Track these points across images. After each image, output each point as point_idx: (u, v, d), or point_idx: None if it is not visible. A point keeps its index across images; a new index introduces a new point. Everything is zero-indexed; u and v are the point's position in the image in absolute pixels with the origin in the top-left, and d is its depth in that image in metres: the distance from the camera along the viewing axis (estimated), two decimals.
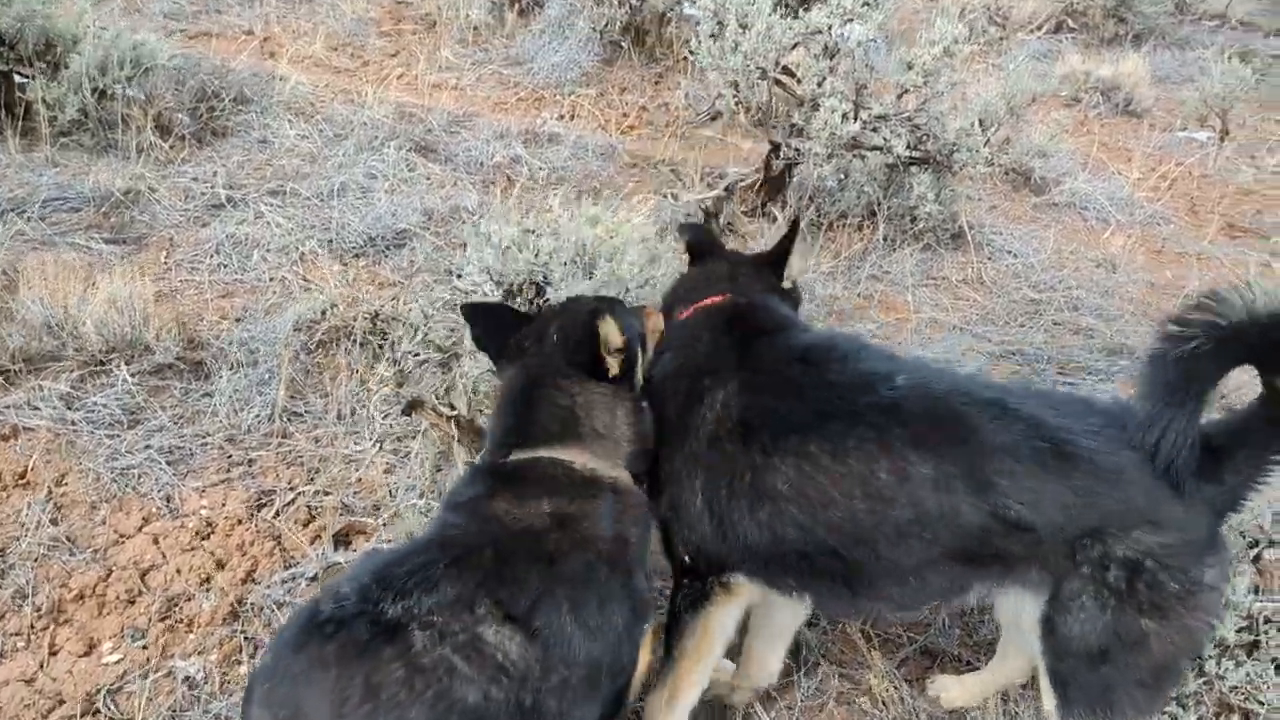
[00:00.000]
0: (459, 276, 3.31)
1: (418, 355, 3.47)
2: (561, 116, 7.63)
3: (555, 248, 3.29)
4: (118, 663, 3.05)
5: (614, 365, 2.48)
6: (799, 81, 5.22)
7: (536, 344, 2.61)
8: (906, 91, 5.33)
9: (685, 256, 3.33)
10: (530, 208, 4.05)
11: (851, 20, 5.13)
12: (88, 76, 5.89)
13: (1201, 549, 2.40)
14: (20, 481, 3.66)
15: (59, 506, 3.59)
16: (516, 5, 9.25)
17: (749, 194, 5.75)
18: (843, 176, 5.71)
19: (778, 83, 5.34)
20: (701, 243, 3.36)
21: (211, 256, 5.12)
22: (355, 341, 4.24)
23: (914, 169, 5.66)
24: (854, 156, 5.41)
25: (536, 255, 3.24)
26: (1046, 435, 2.43)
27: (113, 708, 2.90)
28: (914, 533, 2.47)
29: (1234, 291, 2.23)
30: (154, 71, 6.24)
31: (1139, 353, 5.17)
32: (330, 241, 5.24)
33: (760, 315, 2.96)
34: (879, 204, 5.68)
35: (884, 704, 3.09)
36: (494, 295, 3.33)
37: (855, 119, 5.09)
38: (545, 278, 3.21)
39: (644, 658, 2.42)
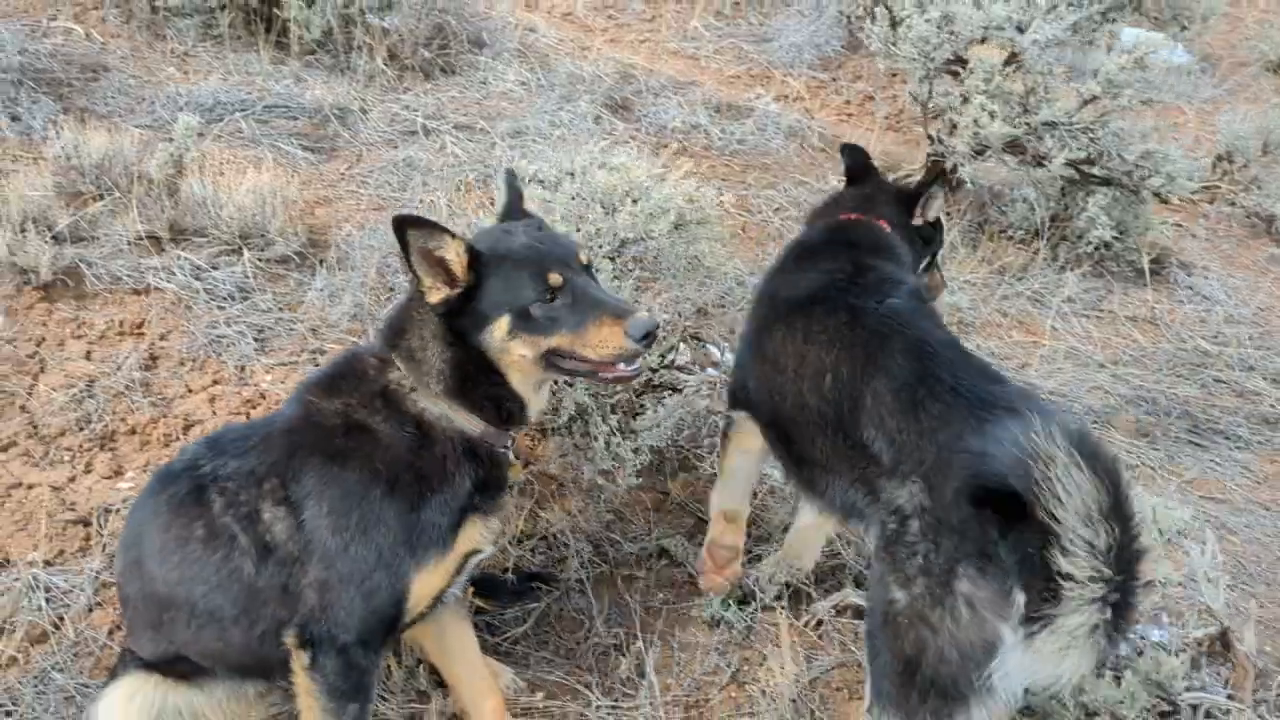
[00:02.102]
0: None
1: None
2: (785, 96, 7.57)
3: (578, 190, 3.35)
4: (129, 489, 3.48)
5: (431, 292, 2.40)
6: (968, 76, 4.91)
7: None
8: (1088, 102, 4.86)
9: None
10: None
11: (1036, 18, 4.74)
12: (333, 2, 6.54)
13: None
14: (135, 330, 4.22)
15: (154, 356, 4.10)
16: None
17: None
18: (1009, 187, 5.32)
19: (954, 75, 5.05)
20: (857, 166, 3.76)
21: (383, 174, 5.57)
22: None
23: (1096, 188, 5.16)
24: (1021, 164, 5.01)
25: (556, 190, 3.31)
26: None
27: (102, 524, 3.32)
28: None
29: None
30: (398, 6, 6.83)
31: None
32: (487, 178, 5.55)
33: (863, 239, 3.31)
34: (1045, 219, 5.23)
35: None
36: None
37: (1017, 122, 4.71)
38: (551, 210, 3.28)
39: (421, 592, 2.42)
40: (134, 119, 5.56)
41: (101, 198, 4.67)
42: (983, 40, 5.03)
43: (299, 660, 2.38)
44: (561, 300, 2.41)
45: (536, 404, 2.59)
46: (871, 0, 7.91)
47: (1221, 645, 2.74)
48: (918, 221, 3.52)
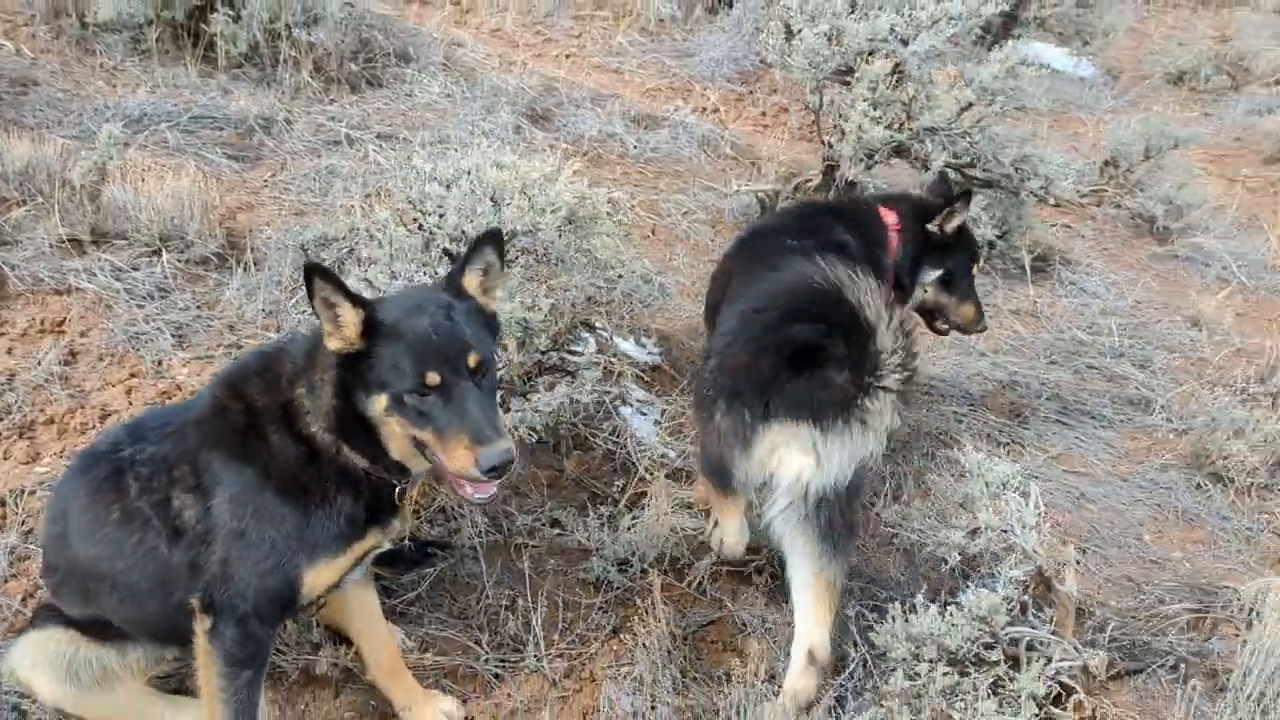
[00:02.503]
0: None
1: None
2: (703, 109, 7.88)
3: (472, 187, 3.59)
4: (44, 472, 3.65)
5: (329, 338, 2.46)
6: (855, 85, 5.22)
7: None
8: (965, 109, 5.20)
9: None
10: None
11: (918, 32, 5.06)
12: (259, 18, 6.75)
13: None
14: (56, 328, 4.38)
15: (74, 352, 4.27)
16: (707, 1, 9.58)
17: (810, 192, 5.78)
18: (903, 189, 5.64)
19: (845, 84, 5.36)
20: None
21: (305, 180, 5.77)
22: (356, 260, 4.72)
23: (979, 190, 5.49)
24: (911, 168, 5.34)
25: (449, 189, 3.55)
26: None
27: (17, 503, 3.49)
28: None
29: None
30: (323, 21, 7.06)
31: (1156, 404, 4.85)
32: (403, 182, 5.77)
33: (849, 213, 4.03)
34: None
35: None
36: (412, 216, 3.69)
37: (902, 128, 5.03)
38: (446, 206, 3.51)
39: (314, 583, 2.59)
40: (61, 130, 5.71)
41: (25, 203, 4.84)
42: (870, 53, 5.34)
43: (201, 625, 2.57)
44: (436, 398, 2.42)
45: (416, 467, 2.64)
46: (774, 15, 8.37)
47: (1044, 587, 3.03)
48: (933, 228, 4.04)
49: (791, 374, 2.96)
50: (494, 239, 2.64)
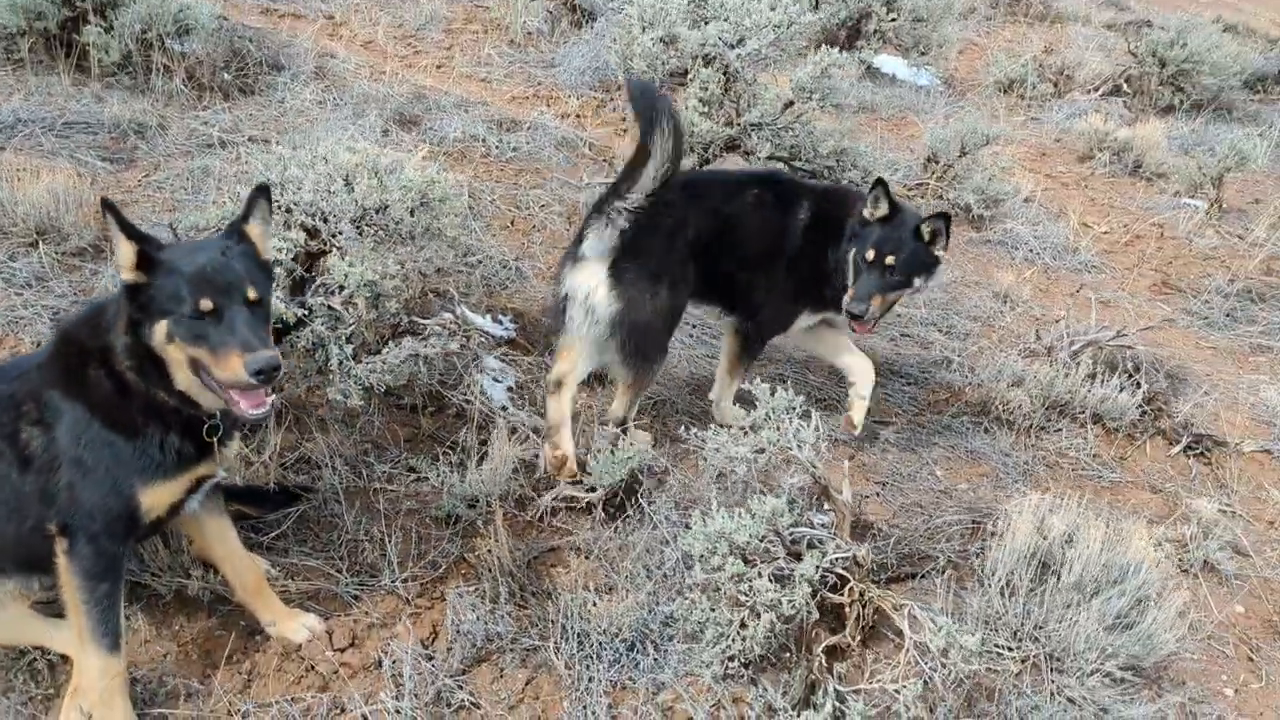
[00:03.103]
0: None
1: None
2: (565, 114, 8.38)
3: (327, 171, 4.00)
4: None
5: (123, 270, 2.82)
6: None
7: None
8: (788, 105, 5.80)
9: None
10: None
11: (743, 39, 5.64)
12: (131, 29, 7.02)
13: None
14: None
15: None
16: (572, 16, 10.10)
17: None
18: None
19: (681, 85, 5.92)
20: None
21: (179, 180, 6.08)
22: None
23: None
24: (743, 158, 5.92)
25: (306, 172, 3.96)
26: None
27: None
28: None
29: None
30: (195, 31, 7.36)
31: (955, 363, 5.50)
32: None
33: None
34: None
35: None
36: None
37: (731, 124, 5.60)
38: (303, 186, 3.92)
39: (151, 503, 2.94)
40: None
41: None
42: (704, 57, 5.92)
43: (60, 546, 2.90)
44: (211, 321, 2.77)
45: (205, 401, 2.93)
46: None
47: (825, 497, 3.57)
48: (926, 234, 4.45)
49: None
50: (264, 191, 3.06)
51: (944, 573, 3.87)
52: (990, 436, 5.07)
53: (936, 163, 7.41)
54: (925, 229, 4.38)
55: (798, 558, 3.42)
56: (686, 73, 5.83)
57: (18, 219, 5.08)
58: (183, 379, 2.89)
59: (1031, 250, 7.10)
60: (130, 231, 2.79)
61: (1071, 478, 4.86)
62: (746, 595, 3.28)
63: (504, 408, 4.44)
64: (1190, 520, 4.64)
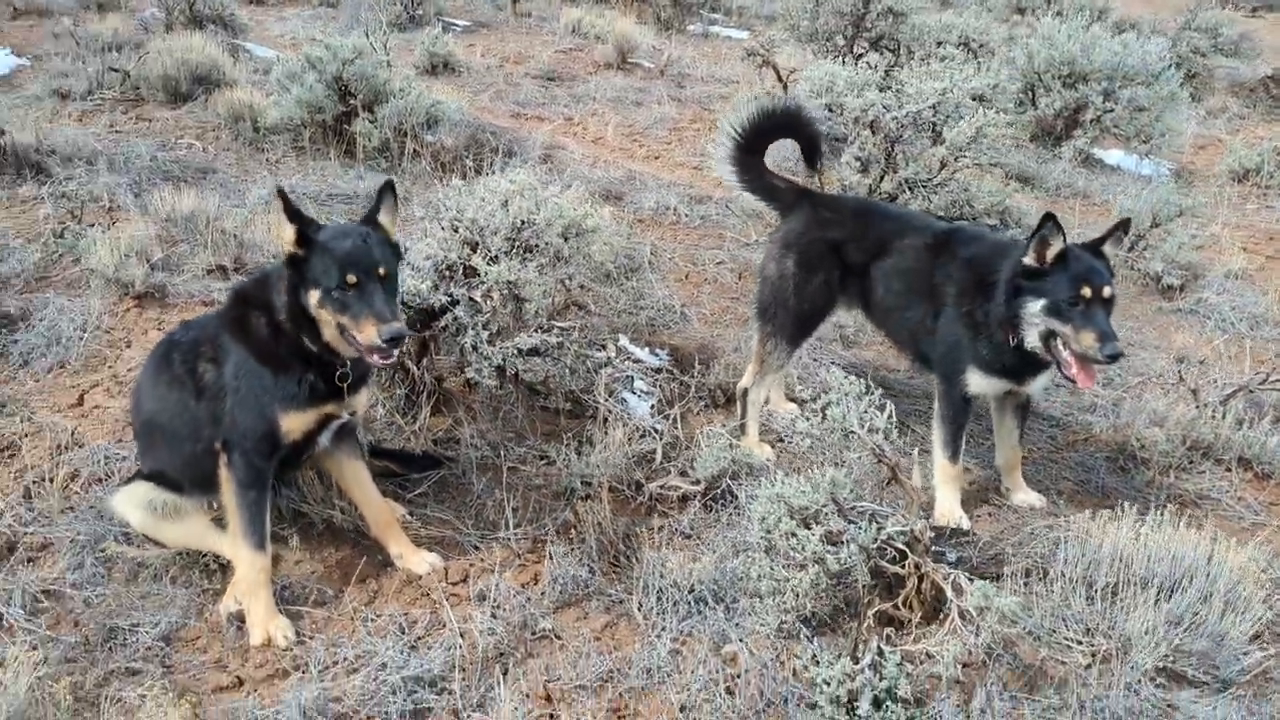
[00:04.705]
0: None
1: None
2: None
3: (489, 195, 4.75)
4: None
5: (285, 244, 3.56)
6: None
7: None
8: (945, 165, 6.10)
9: None
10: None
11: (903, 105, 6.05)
12: (390, 121, 8.31)
13: None
14: None
15: None
16: None
17: None
18: None
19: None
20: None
21: (406, 233, 7.10)
22: None
23: None
24: None
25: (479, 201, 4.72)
26: None
27: None
28: None
29: None
30: (442, 123, 8.58)
31: (1100, 407, 5.47)
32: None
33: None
34: None
35: None
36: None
37: (884, 177, 5.97)
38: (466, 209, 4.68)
39: (288, 427, 3.64)
40: (229, 203, 7.26)
41: (185, 242, 6.31)
42: (871, 119, 6.35)
43: (222, 460, 3.67)
44: (354, 294, 3.46)
45: (344, 351, 3.62)
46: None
47: (893, 478, 3.79)
48: (1031, 262, 4.22)
49: None
50: (390, 187, 3.78)
51: (1024, 572, 3.94)
52: (1125, 475, 5.01)
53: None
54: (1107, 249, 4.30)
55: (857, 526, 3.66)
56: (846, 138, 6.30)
57: (269, 257, 6.18)
58: (329, 334, 3.61)
59: (1224, 319, 6.87)
60: (293, 215, 3.55)
61: (1209, 517, 4.73)
62: (798, 551, 3.56)
63: (651, 425, 4.93)
64: None
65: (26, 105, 8.88)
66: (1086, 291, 4.13)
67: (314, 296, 3.53)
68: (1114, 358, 4.08)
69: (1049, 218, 4.20)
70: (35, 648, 3.31)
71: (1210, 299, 7.09)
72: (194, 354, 3.74)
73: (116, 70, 9.40)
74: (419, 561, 3.99)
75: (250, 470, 3.64)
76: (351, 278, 3.48)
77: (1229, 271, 7.59)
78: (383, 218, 3.76)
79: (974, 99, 6.63)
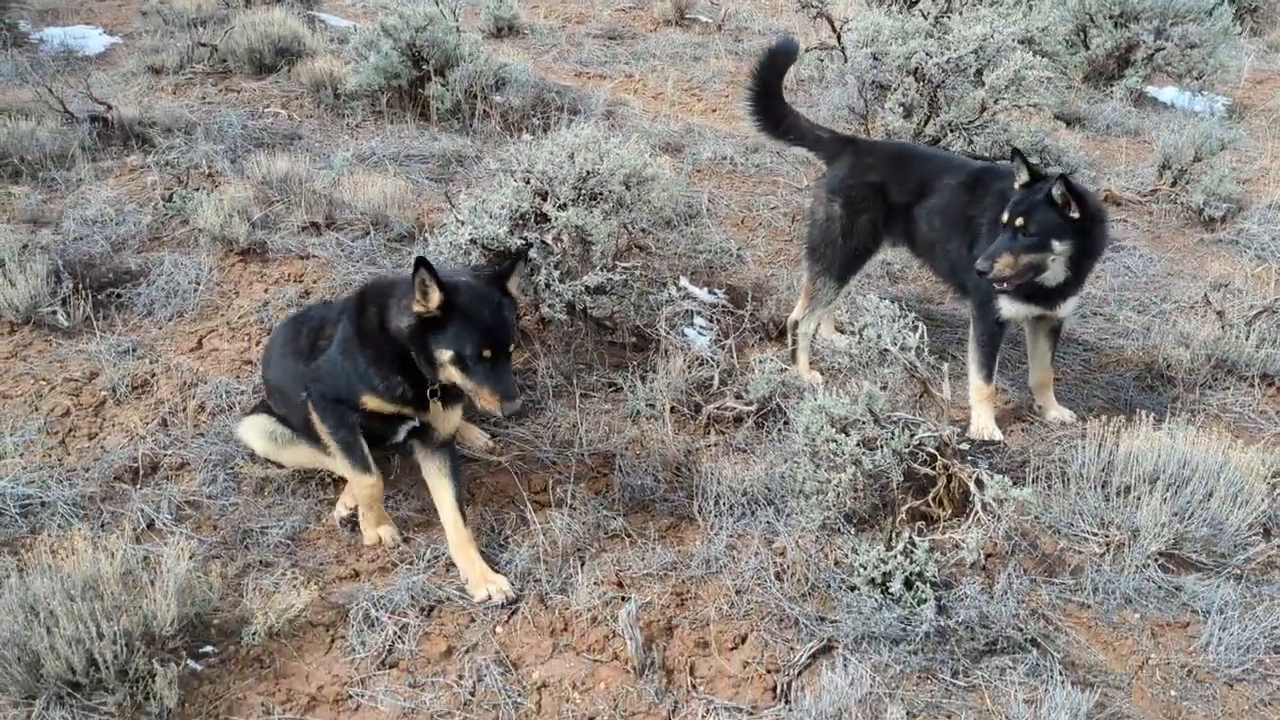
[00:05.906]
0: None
1: None
2: None
3: (557, 148, 5.24)
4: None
5: (416, 302, 3.74)
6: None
7: None
8: (985, 108, 6.42)
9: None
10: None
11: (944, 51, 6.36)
12: (461, 84, 8.81)
13: None
14: (298, 278, 6.28)
15: (308, 291, 6.15)
16: (834, 66, 11.03)
17: None
18: None
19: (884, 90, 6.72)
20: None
21: (480, 183, 7.62)
22: None
23: None
24: None
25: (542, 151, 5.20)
26: None
27: (255, 364, 5.32)
28: None
29: None
30: (510, 84, 9.07)
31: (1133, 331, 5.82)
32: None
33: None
34: None
35: None
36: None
37: (927, 122, 6.32)
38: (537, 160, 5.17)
39: (366, 403, 4.03)
40: (316, 165, 7.83)
41: (282, 201, 6.90)
42: (914, 67, 6.68)
43: (311, 403, 4.16)
44: (483, 365, 3.69)
45: (444, 382, 3.90)
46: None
47: (925, 392, 4.22)
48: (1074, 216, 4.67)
49: None
50: (523, 255, 4.14)
51: (1046, 475, 4.36)
52: (1152, 393, 5.37)
53: (1168, 169, 7.59)
54: (1055, 192, 4.68)
55: (892, 436, 4.11)
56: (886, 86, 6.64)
57: (358, 213, 6.75)
58: (444, 377, 3.85)
59: (1264, 249, 7.10)
60: (440, 283, 3.69)
61: (1230, 429, 5.07)
62: (838, 455, 4.03)
63: (709, 353, 5.40)
64: None
65: (125, 81, 9.55)
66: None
67: (445, 355, 3.75)
68: None
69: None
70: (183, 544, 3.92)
71: (1251, 229, 7.32)
72: (317, 333, 4.27)
73: (205, 45, 10.02)
74: (483, 593, 3.90)
75: (332, 414, 4.06)
76: (488, 353, 3.72)
77: (1272, 203, 7.78)
78: (512, 282, 3.92)
79: (1021, 42, 6.93)
